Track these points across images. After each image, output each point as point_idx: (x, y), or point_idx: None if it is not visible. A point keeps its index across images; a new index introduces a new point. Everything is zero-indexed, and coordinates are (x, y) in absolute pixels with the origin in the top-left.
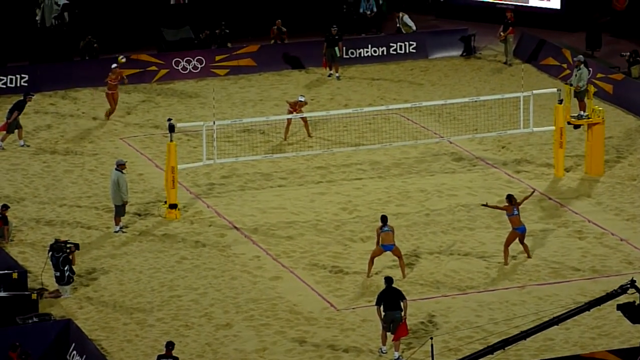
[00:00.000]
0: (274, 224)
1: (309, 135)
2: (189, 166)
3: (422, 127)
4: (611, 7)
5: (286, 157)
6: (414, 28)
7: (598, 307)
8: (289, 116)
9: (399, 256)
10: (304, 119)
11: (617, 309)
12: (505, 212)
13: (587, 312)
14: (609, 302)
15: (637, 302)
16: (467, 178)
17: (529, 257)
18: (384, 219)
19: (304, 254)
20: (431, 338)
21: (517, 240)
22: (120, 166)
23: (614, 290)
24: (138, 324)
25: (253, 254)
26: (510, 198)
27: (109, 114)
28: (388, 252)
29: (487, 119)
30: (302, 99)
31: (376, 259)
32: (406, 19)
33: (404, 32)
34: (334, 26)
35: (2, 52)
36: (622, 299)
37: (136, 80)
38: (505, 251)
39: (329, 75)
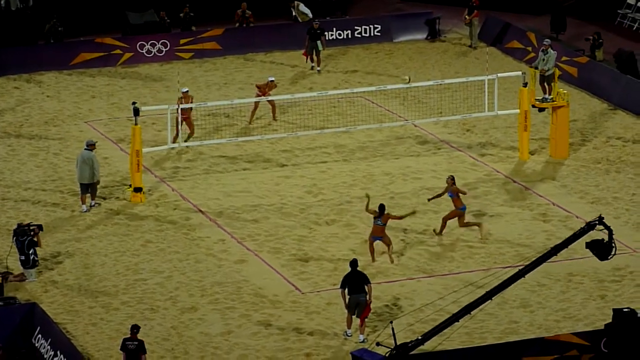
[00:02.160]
0: (238, 207)
1: (274, 119)
2: (153, 149)
3: (387, 110)
4: None
5: (251, 140)
6: (310, 15)
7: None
8: (254, 99)
9: (387, 243)
10: (271, 102)
11: (586, 247)
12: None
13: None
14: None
15: (606, 239)
16: (432, 161)
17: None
18: (381, 208)
19: (268, 237)
20: (391, 322)
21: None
22: (91, 146)
23: (581, 227)
24: (103, 307)
25: (218, 238)
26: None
27: (190, 135)
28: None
29: (451, 102)
30: (273, 79)
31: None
32: (302, 7)
33: (300, 20)
34: (316, 20)
35: None
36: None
37: (100, 64)
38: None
39: (312, 68)
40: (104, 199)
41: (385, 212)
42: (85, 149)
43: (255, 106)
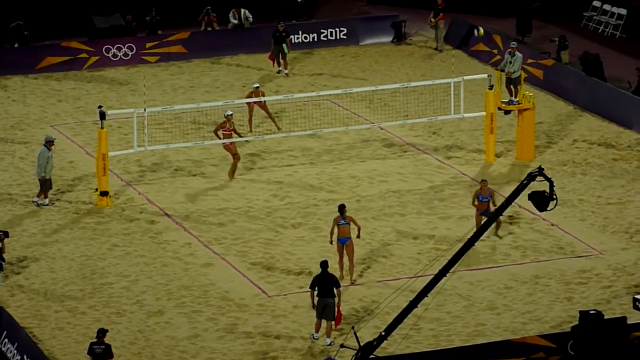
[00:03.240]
0: (205, 211)
1: (249, 127)
2: (120, 153)
3: (353, 113)
4: None
5: (217, 144)
6: (251, 20)
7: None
8: (218, 103)
9: (350, 258)
10: (265, 109)
11: (528, 199)
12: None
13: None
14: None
15: (547, 190)
16: (398, 164)
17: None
18: (341, 208)
19: (235, 240)
20: (352, 327)
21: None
22: (48, 143)
23: (523, 180)
24: (70, 311)
25: (184, 241)
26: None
27: (233, 170)
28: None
29: (417, 105)
30: (257, 86)
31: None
32: (247, 13)
33: (245, 26)
34: (281, 22)
35: None
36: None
37: (66, 68)
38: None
39: (278, 72)
40: (70, 202)
41: (346, 213)
42: (44, 145)
43: (250, 113)
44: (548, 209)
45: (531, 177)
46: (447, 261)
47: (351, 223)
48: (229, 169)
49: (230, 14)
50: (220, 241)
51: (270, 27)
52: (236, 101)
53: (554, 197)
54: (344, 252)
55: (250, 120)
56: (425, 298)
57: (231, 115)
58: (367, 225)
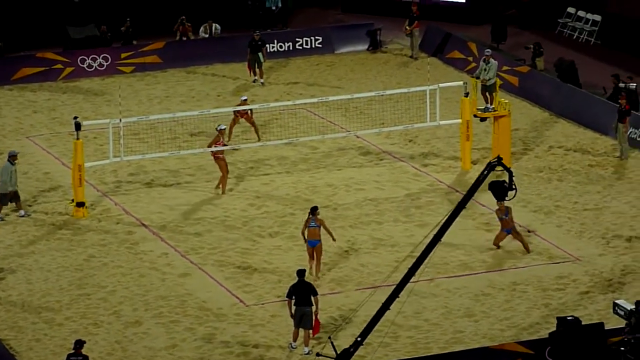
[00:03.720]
0: (182, 221)
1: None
2: (95, 164)
3: (329, 121)
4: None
5: (193, 153)
6: (220, 31)
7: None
8: (194, 113)
9: (318, 258)
10: (250, 121)
11: (488, 189)
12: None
13: (496, 303)
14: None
15: (506, 180)
16: (375, 172)
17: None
18: (312, 210)
19: (212, 250)
20: (329, 337)
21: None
22: (12, 157)
23: (483, 170)
24: (47, 323)
25: (161, 251)
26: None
27: (223, 184)
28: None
29: (393, 112)
30: (245, 98)
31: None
32: (218, 26)
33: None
34: (257, 31)
35: None
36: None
37: (41, 79)
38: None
39: (254, 81)
40: (46, 213)
41: (318, 216)
42: (7, 160)
43: (233, 125)
44: (507, 198)
45: (491, 167)
46: (413, 261)
47: (321, 227)
48: (221, 184)
49: (202, 29)
50: (197, 251)
51: (245, 36)
52: (212, 110)
53: (514, 187)
54: (313, 253)
55: (230, 132)
56: (402, 306)
57: (224, 129)
58: (344, 233)
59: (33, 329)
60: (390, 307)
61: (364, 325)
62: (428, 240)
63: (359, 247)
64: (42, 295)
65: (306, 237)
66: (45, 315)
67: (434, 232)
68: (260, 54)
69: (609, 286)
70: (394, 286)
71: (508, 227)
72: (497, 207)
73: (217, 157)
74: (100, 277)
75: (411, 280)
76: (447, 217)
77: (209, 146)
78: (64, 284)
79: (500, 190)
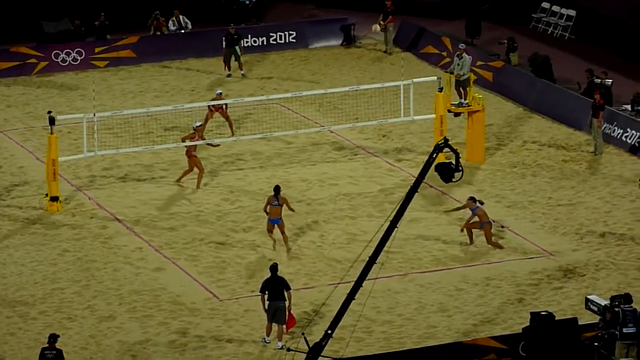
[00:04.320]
0: (155, 216)
1: (232, 134)
2: (70, 158)
3: (303, 116)
4: None
5: (167, 148)
6: (190, 27)
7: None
8: (168, 107)
9: (282, 231)
10: (225, 115)
11: (435, 170)
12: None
13: (469, 298)
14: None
15: (452, 161)
16: (349, 167)
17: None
18: (276, 189)
19: (186, 244)
20: (303, 334)
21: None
22: None
23: (431, 152)
24: (21, 317)
25: (135, 246)
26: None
27: (186, 174)
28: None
29: (367, 107)
30: (220, 92)
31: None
32: (186, 19)
33: (184, 31)
34: (232, 25)
35: None
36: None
37: (15, 73)
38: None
39: (228, 76)
40: (20, 208)
41: (282, 194)
42: None
43: (207, 119)
44: (453, 180)
45: (438, 148)
46: (373, 248)
47: (284, 205)
48: (183, 178)
49: (170, 22)
50: (171, 245)
51: (219, 30)
52: (186, 105)
53: (460, 168)
54: (274, 230)
55: (203, 126)
56: (375, 301)
57: (200, 126)
58: (317, 228)
59: (7, 322)
60: (356, 297)
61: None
62: (385, 227)
63: (332, 242)
64: (16, 290)
65: (268, 214)
66: (19, 309)
67: (391, 218)
68: (237, 47)
69: (583, 281)
70: (366, 281)
71: (485, 220)
72: (465, 204)
73: (191, 154)
74: (74, 271)
75: (385, 275)
76: (401, 201)
77: (183, 140)
78: (38, 278)
79: (447, 172)
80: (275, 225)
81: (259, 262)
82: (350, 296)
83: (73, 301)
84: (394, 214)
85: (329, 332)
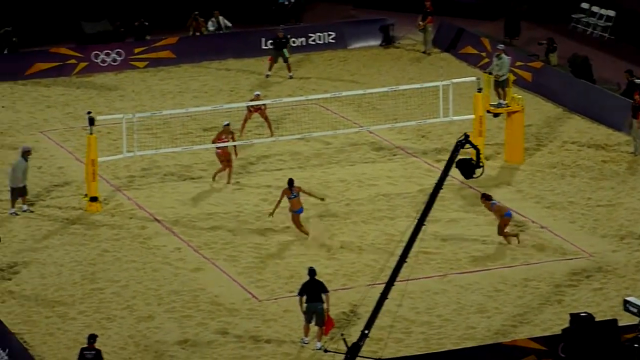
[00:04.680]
0: (194, 216)
1: (240, 133)
2: (109, 159)
3: (342, 117)
4: None
5: (206, 148)
6: (230, 26)
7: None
8: (207, 108)
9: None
10: (264, 116)
11: (456, 166)
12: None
13: (508, 299)
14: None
15: (474, 158)
16: (387, 167)
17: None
18: (290, 182)
19: (225, 245)
20: (342, 334)
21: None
22: (26, 153)
23: (453, 150)
24: (60, 317)
25: (174, 246)
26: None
27: (220, 172)
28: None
29: (406, 108)
30: (258, 94)
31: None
32: (228, 23)
33: (224, 31)
34: (281, 29)
35: None
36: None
37: (55, 74)
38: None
39: (267, 76)
40: (60, 208)
41: (295, 185)
42: (21, 156)
43: (246, 120)
44: (474, 176)
45: (459, 145)
46: (404, 246)
47: (300, 193)
48: (227, 175)
49: (209, 23)
50: (210, 246)
51: (258, 31)
52: (225, 105)
53: (481, 164)
54: (299, 219)
55: (243, 126)
56: (414, 302)
57: (228, 125)
58: (356, 229)
59: (46, 323)
60: (389, 297)
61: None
62: (414, 225)
63: (371, 243)
64: (55, 290)
65: (289, 209)
66: (58, 309)
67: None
68: (285, 50)
69: (622, 282)
70: (403, 281)
71: (505, 211)
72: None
73: (219, 152)
74: (113, 271)
75: (424, 276)
76: (428, 199)
77: (213, 142)
78: (77, 279)
79: (468, 168)
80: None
81: (298, 262)
82: (384, 295)
83: (112, 301)
84: (420, 212)
85: (366, 332)
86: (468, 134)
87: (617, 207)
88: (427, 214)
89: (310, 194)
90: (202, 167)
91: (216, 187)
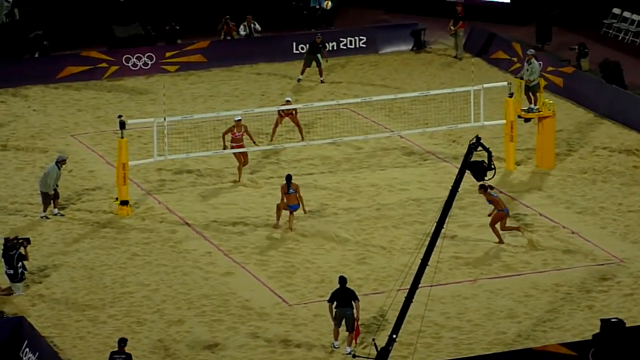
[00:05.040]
0: (225, 220)
1: (271, 137)
2: (140, 162)
3: (373, 121)
4: None
5: (237, 152)
6: (260, 30)
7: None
8: (238, 112)
9: (299, 197)
10: (295, 122)
11: (468, 169)
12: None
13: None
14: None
15: (485, 159)
16: (418, 172)
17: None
18: (288, 178)
19: (255, 249)
20: (373, 339)
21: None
22: (60, 162)
23: (466, 153)
24: (90, 320)
25: (204, 250)
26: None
27: (240, 169)
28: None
29: (437, 113)
30: (289, 99)
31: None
32: (258, 27)
33: (254, 36)
34: (319, 34)
35: None
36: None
37: (86, 77)
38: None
39: (298, 80)
40: (90, 212)
41: (294, 182)
42: (55, 163)
43: (277, 124)
44: (486, 178)
45: (472, 148)
46: (425, 250)
47: (297, 192)
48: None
49: (241, 27)
50: (240, 250)
51: (289, 35)
52: (256, 110)
53: (492, 166)
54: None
55: (273, 131)
56: (444, 307)
57: (240, 120)
58: (387, 233)
59: (77, 326)
60: (414, 300)
61: (405, 324)
62: (433, 228)
63: (402, 247)
64: (85, 293)
65: (286, 202)
66: (88, 313)
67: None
68: (319, 55)
69: None
70: (432, 285)
71: (503, 207)
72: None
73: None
74: (143, 275)
75: (455, 281)
76: (444, 203)
77: (224, 135)
78: (108, 282)
79: (480, 169)
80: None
81: (328, 267)
82: (409, 299)
83: (142, 305)
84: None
85: (394, 336)
86: (480, 136)
87: None
88: (445, 217)
89: (301, 199)
90: (233, 171)
91: (246, 191)
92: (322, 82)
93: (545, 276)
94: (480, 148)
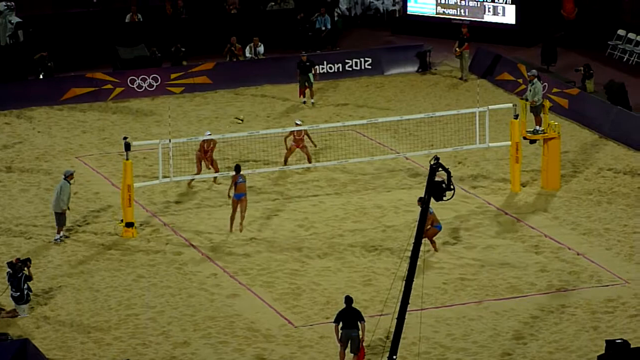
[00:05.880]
0: (230, 242)
1: (284, 163)
2: (145, 184)
3: (378, 143)
4: (562, 18)
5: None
6: (262, 52)
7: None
8: (243, 134)
9: (243, 208)
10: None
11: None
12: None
13: (544, 325)
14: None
15: (444, 180)
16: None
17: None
18: (237, 168)
19: (261, 271)
20: (394, 357)
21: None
22: (69, 177)
23: (429, 175)
24: (95, 342)
25: (210, 272)
26: None
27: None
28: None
29: (443, 134)
30: (299, 122)
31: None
32: (261, 48)
33: (257, 58)
34: (303, 53)
35: None
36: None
37: (91, 99)
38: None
39: (304, 102)
40: (95, 234)
41: (242, 173)
42: (64, 179)
43: (290, 150)
44: (444, 198)
45: (433, 170)
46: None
47: (246, 180)
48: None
49: (247, 48)
50: (246, 272)
51: (294, 57)
52: (261, 132)
53: (452, 187)
54: (238, 206)
55: (286, 158)
56: (450, 328)
57: (210, 134)
58: (392, 255)
59: (82, 348)
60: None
61: (413, 346)
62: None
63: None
64: (91, 315)
65: (235, 191)
66: (94, 335)
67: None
68: (310, 75)
69: None
70: (439, 307)
71: (437, 223)
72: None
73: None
74: (149, 297)
75: (460, 303)
76: (418, 222)
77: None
78: (113, 304)
79: (438, 190)
80: (239, 203)
81: (334, 288)
82: (401, 318)
83: (148, 327)
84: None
85: (394, 357)
86: (438, 156)
87: None
88: (420, 239)
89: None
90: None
91: (251, 213)
92: (312, 104)
93: (550, 297)
94: (440, 169)
